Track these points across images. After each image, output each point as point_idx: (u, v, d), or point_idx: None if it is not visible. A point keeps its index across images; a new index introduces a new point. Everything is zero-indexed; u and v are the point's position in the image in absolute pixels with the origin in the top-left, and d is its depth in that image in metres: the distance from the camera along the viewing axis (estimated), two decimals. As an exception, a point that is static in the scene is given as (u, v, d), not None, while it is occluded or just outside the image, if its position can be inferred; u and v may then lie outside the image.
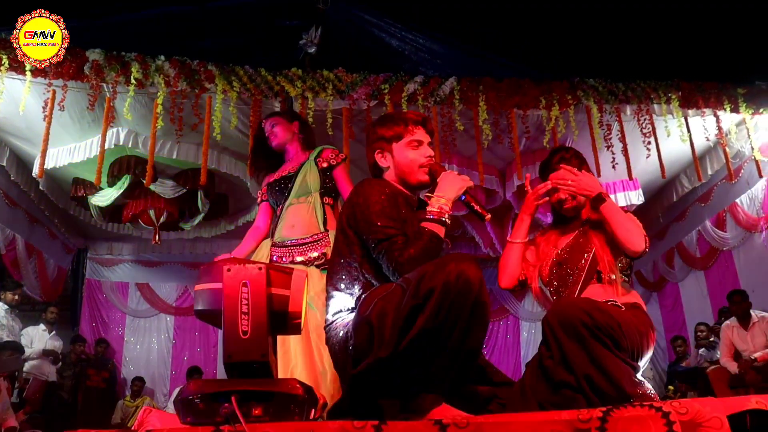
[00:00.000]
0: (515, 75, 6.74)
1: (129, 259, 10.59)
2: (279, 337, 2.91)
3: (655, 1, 7.03)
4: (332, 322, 2.36)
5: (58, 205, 8.30)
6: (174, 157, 6.80)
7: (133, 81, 5.86)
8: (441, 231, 2.32)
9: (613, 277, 2.65)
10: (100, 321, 10.43)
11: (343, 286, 2.38)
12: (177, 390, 9.48)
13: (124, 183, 7.24)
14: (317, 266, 3.35)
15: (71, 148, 6.82)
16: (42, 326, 8.37)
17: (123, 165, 7.06)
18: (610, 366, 2.18)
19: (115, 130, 6.52)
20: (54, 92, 5.81)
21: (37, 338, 8.20)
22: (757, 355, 6.46)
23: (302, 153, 3.77)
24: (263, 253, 3.49)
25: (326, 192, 3.61)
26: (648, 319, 2.54)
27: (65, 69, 5.73)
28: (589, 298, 2.45)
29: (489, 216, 2.48)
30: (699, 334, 8.20)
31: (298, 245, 3.41)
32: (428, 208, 2.37)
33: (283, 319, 1.92)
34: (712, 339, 7.87)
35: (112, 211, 8.19)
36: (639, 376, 2.36)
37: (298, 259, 3.36)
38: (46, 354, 8.12)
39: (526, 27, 7.07)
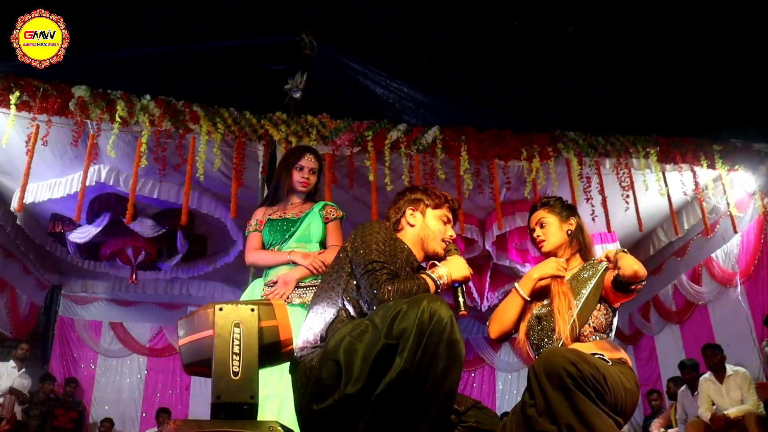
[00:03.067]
0: (497, 126, 6.82)
1: (104, 297, 10.45)
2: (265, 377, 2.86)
3: (634, 58, 7.19)
4: (300, 354, 2.32)
5: (35, 241, 8.22)
6: (155, 196, 6.78)
7: (117, 119, 5.86)
8: (431, 289, 2.36)
9: (594, 338, 2.65)
10: (71, 359, 10.24)
11: (320, 309, 2.39)
12: (147, 432, 9.29)
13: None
14: None
15: (51, 183, 6.78)
16: (11, 363, 8.20)
17: (103, 202, 7.03)
18: (593, 418, 2.17)
19: (97, 167, 6.51)
20: (38, 126, 5.79)
21: (6, 375, 8.03)
22: (729, 412, 6.49)
23: (306, 202, 3.78)
24: (257, 293, 3.47)
25: (323, 245, 3.64)
26: (634, 376, 2.53)
27: (50, 104, 5.74)
28: (576, 350, 2.45)
29: (466, 313, 2.50)
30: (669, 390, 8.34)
31: (296, 287, 3.39)
32: (429, 270, 2.46)
33: (275, 349, 1.92)
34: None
35: (90, 248, 8.12)
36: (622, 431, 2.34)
37: (296, 301, 3.34)
38: (12, 393, 7.94)
39: (508, 79, 7.20)
